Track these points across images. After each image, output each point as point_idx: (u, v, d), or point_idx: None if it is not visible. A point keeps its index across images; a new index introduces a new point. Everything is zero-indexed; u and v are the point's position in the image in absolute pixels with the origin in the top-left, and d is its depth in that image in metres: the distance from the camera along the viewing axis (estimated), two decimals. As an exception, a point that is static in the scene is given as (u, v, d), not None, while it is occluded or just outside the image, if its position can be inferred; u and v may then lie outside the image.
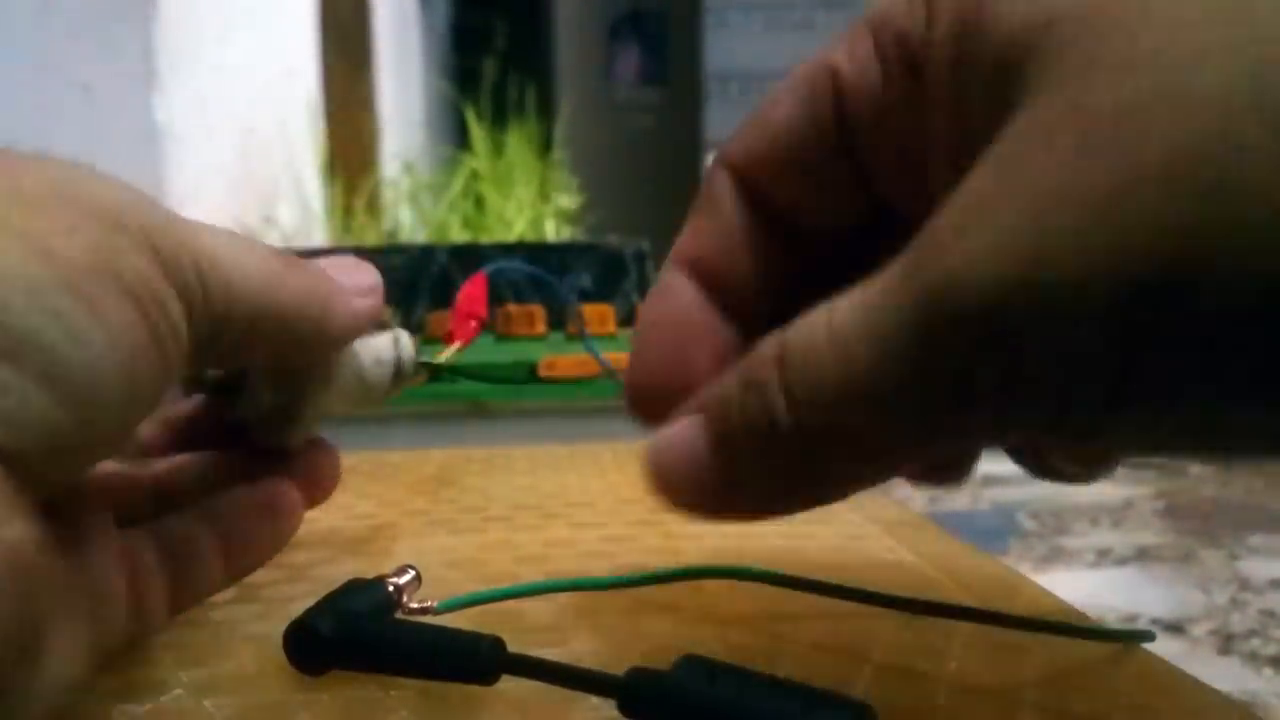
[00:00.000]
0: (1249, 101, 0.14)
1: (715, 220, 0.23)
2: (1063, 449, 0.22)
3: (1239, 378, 0.14)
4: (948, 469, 0.23)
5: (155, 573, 0.24)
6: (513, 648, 0.21)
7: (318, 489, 0.28)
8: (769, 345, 0.19)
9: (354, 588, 0.24)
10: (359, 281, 0.26)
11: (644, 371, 0.23)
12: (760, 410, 0.19)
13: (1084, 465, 0.23)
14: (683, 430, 0.21)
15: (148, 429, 0.30)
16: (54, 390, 0.17)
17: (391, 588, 0.24)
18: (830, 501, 0.20)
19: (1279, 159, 0.13)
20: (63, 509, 0.21)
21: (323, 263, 0.25)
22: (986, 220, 0.15)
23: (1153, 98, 0.14)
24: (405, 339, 0.30)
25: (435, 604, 0.25)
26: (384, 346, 0.30)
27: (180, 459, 0.29)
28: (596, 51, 3.49)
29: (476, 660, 0.21)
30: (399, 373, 0.30)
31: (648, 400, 0.23)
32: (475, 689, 0.22)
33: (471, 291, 0.48)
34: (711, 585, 0.27)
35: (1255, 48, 0.14)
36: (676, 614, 0.27)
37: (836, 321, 0.18)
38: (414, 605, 0.25)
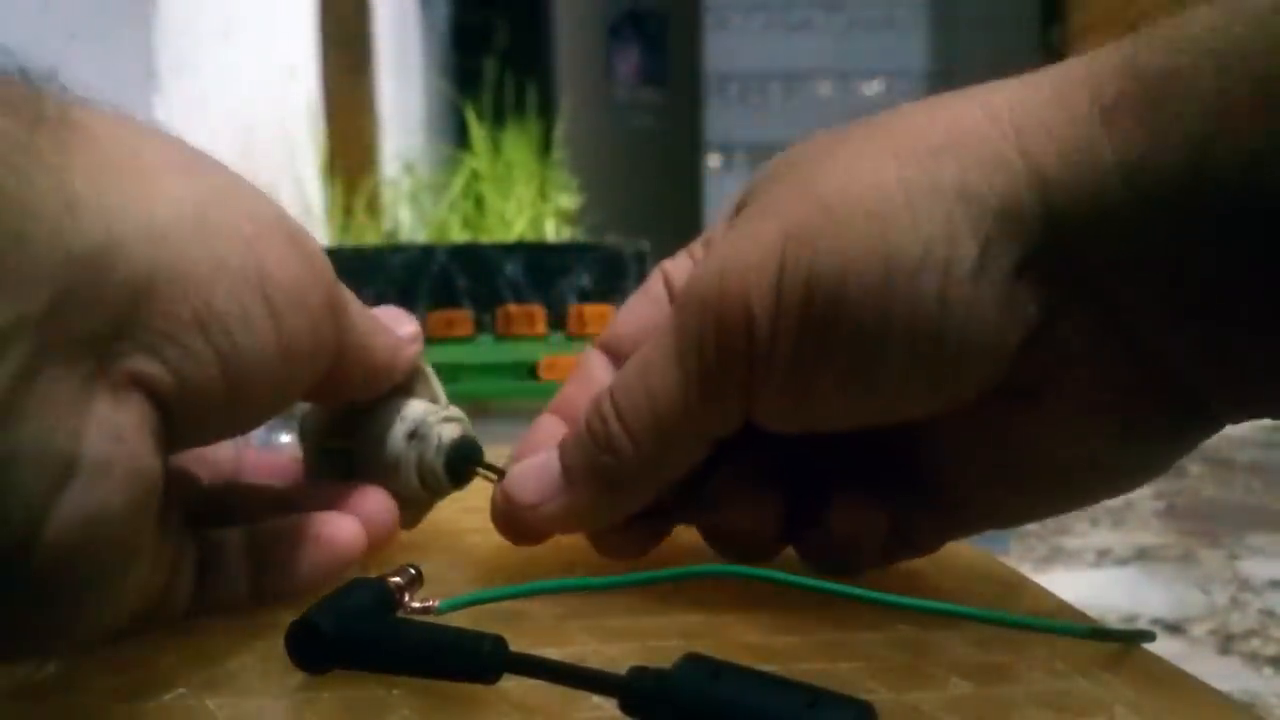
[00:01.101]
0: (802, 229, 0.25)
1: (586, 382, 0.30)
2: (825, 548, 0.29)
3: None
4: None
5: (186, 567, 0.25)
6: (515, 647, 0.21)
7: (374, 532, 0.28)
8: (600, 395, 0.28)
9: (356, 587, 0.24)
10: (407, 331, 0.30)
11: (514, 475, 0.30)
12: (602, 429, 0.27)
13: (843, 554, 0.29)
14: (538, 462, 0.29)
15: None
16: (223, 365, 0.21)
17: (394, 587, 0.24)
18: (639, 508, 0.28)
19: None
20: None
21: (376, 312, 0.29)
22: (701, 261, 0.28)
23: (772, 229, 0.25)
24: (447, 427, 0.30)
25: (437, 604, 0.25)
26: (414, 407, 0.30)
27: (247, 482, 0.31)
28: (596, 51, 3.49)
29: (479, 659, 0.21)
30: (418, 436, 0.30)
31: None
32: (477, 688, 0.22)
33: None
34: (712, 585, 0.27)
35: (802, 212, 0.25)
36: (678, 614, 0.27)
37: (639, 349, 0.28)
38: (416, 605, 0.25)
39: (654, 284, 0.31)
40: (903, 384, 0.25)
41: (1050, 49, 2.66)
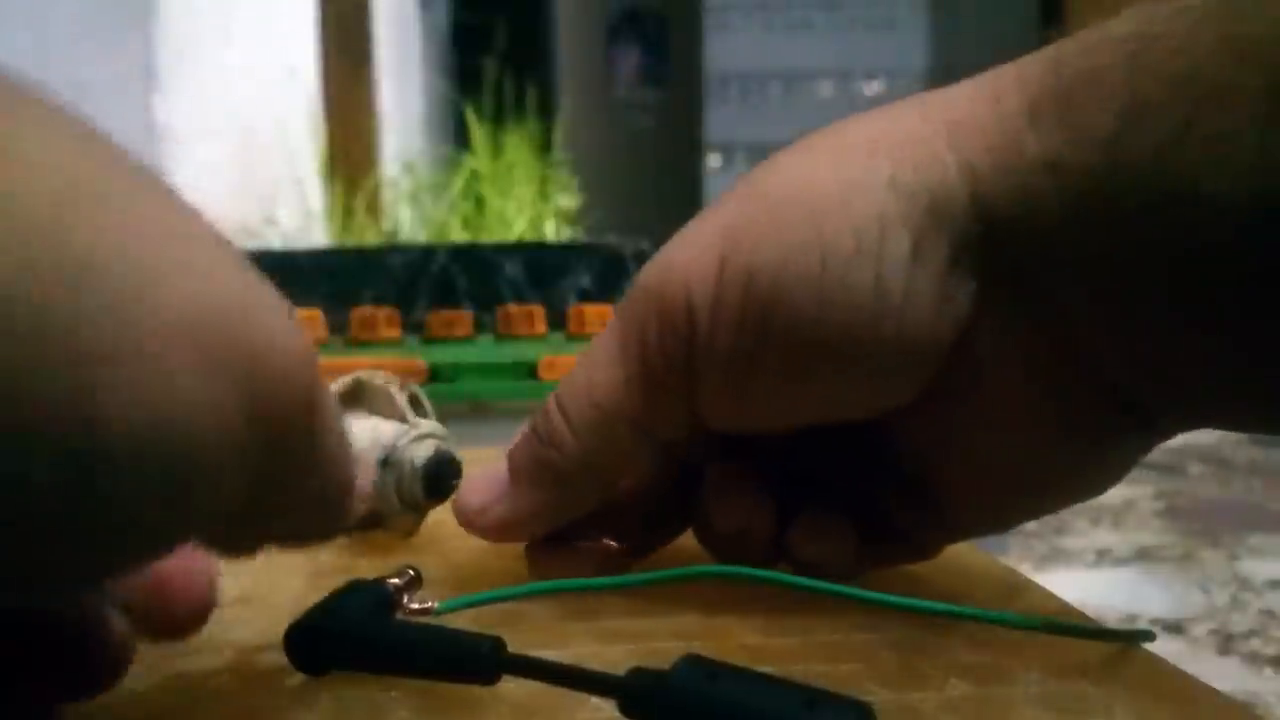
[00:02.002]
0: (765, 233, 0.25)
1: None
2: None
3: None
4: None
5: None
6: (513, 648, 0.21)
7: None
8: (548, 396, 0.28)
9: (355, 588, 0.24)
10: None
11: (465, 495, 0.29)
12: (545, 425, 0.27)
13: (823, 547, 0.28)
14: (488, 469, 0.28)
15: None
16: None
17: (392, 588, 0.24)
18: (585, 509, 0.28)
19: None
20: None
21: None
22: (656, 259, 0.27)
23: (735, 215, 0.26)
24: (420, 448, 0.30)
25: (436, 605, 0.25)
26: (384, 433, 0.30)
27: None
28: (596, 51, 3.48)
29: (477, 661, 0.21)
30: (392, 463, 0.30)
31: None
32: (476, 689, 0.22)
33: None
34: (711, 586, 0.27)
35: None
36: (677, 615, 0.27)
37: (583, 352, 0.27)
38: (414, 606, 0.24)
39: None
40: (840, 376, 0.25)
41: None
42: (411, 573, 0.25)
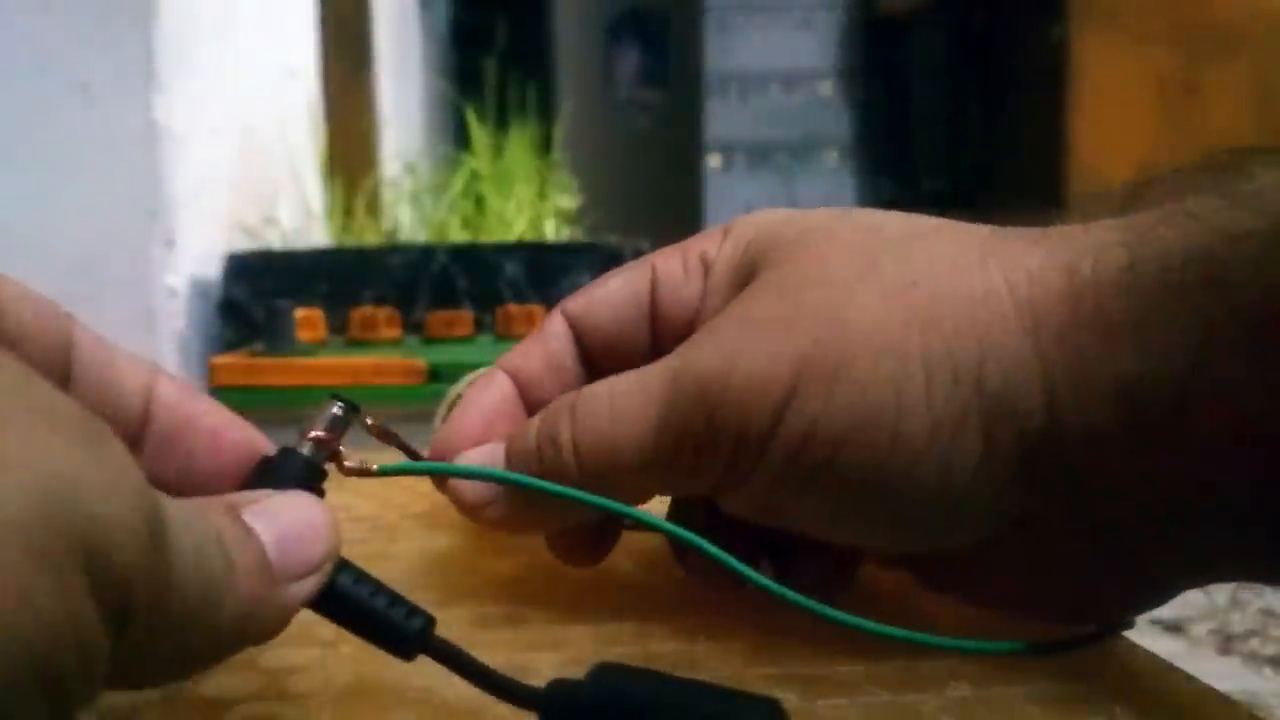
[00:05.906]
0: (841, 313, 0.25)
1: (546, 347, 0.30)
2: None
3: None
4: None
5: None
6: (514, 649, 0.21)
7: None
8: (564, 401, 0.27)
9: (287, 456, 0.23)
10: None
11: (454, 434, 0.29)
12: (554, 456, 0.26)
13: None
14: (483, 457, 0.28)
15: None
16: None
17: (321, 443, 0.23)
18: (587, 518, 0.27)
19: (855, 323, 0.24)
20: None
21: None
22: (710, 335, 0.26)
23: (789, 311, 0.25)
24: None
25: (375, 466, 0.25)
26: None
27: None
28: (596, 51, 3.48)
29: (404, 634, 0.21)
30: None
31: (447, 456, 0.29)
32: (487, 701, 0.22)
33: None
34: (713, 589, 0.27)
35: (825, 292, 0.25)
36: (678, 616, 0.27)
37: (617, 387, 0.26)
38: (351, 465, 0.24)
39: (640, 277, 0.30)
40: (871, 533, 0.26)
41: (1050, 48, 2.66)
42: (337, 406, 0.24)
